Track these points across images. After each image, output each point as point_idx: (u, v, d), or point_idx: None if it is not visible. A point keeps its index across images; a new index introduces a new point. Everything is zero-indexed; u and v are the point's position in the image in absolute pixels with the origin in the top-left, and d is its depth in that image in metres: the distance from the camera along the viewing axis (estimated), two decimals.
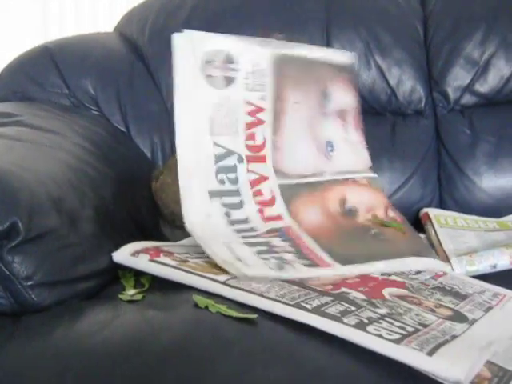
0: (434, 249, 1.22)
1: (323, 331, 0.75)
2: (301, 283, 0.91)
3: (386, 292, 0.92)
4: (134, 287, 0.95)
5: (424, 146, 1.54)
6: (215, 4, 1.63)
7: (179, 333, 0.78)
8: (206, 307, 0.83)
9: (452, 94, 1.56)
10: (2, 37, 2.28)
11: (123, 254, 0.98)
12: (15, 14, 2.39)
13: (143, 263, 0.95)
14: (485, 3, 1.59)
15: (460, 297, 0.95)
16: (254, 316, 0.80)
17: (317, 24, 1.58)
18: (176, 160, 1.27)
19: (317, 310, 0.79)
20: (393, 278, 1.00)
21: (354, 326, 0.75)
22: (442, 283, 1.01)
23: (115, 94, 1.54)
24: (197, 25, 1.58)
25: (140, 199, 1.30)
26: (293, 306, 0.80)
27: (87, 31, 1.77)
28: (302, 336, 0.76)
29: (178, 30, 1.58)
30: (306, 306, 0.80)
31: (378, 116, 1.58)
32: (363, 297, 0.87)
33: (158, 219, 1.34)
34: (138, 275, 0.99)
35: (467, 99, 1.57)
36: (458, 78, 1.56)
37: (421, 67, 1.58)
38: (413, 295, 0.92)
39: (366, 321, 0.78)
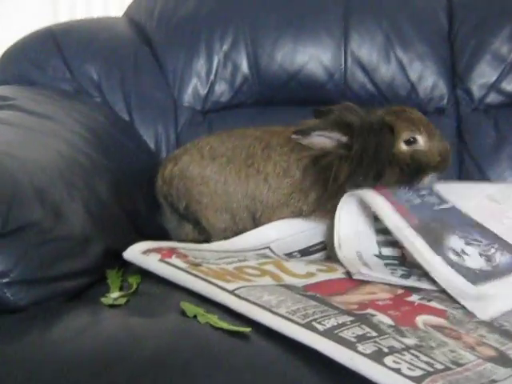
0: None
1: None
2: (322, 299, 0.81)
3: (420, 320, 0.79)
4: (120, 289, 0.87)
5: None
6: None
7: (162, 344, 0.70)
8: (195, 316, 0.75)
9: (477, 91, 1.47)
10: (12, 23, 2.24)
11: (134, 252, 0.92)
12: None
13: (152, 263, 0.90)
14: None
15: (510, 336, 0.79)
16: (248, 329, 0.72)
17: (334, 13, 1.49)
18: (211, 141, 1.15)
19: (328, 333, 0.69)
20: (433, 304, 0.86)
21: (367, 356, 0.65)
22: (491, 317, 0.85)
23: (119, 80, 1.46)
24: (206, 11, 1.51)
25: (138, 193, 1.22)
26: (302, 325, 0.71)
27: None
28: (298, 356, 0.67)
29: (187, 15, 1.53)
30: (318, 326, 0.71)
31: None
32: (390, 322, 0.76)
33: (158, 215, 1.26)
34: (126, 275, 0.92)
35: (493, 98, 1.47)
36: (483, 75, 1.47)
37: (444, 62, 1.48)
38: (452, 327, 0.79)
39: (385, 350, 0.67)
